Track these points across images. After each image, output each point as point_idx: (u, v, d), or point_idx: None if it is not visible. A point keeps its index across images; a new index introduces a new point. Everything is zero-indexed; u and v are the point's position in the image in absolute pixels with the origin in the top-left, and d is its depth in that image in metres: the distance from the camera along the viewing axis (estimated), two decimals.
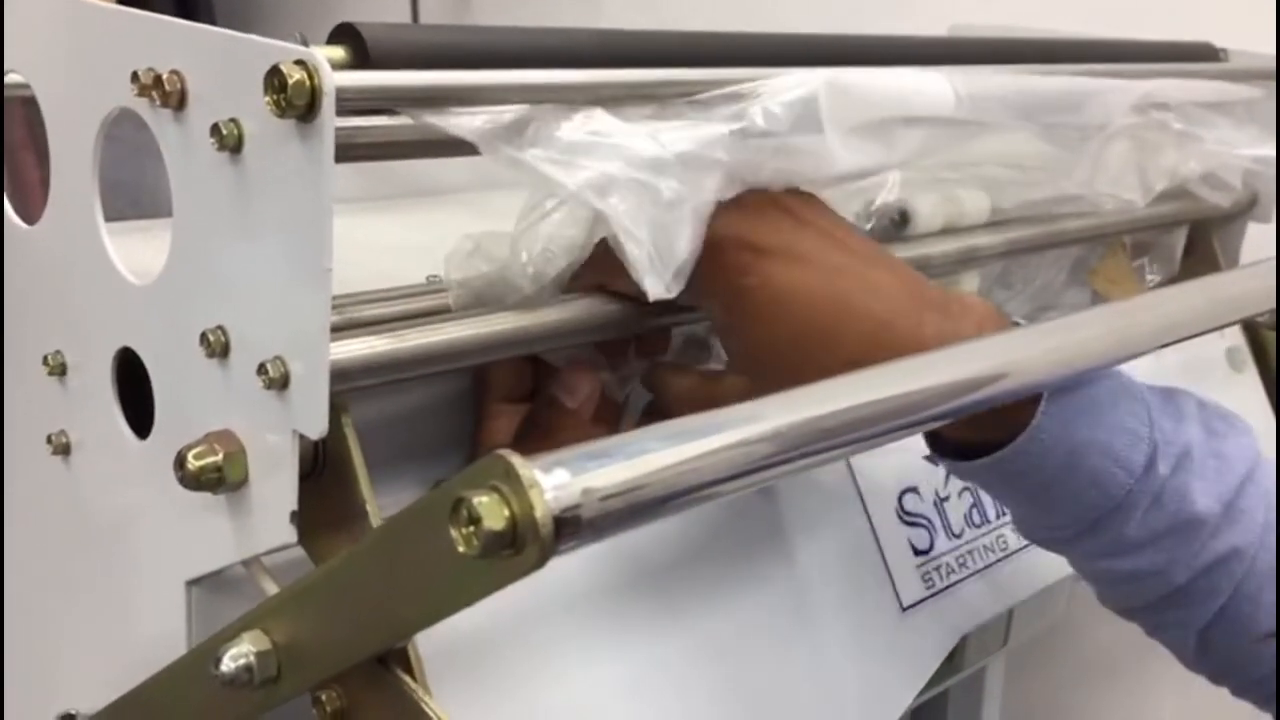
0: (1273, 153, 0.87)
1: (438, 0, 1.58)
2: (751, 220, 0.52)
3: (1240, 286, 0.70)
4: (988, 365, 0.47)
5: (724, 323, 0.54)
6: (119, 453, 0.53)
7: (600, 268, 0.53)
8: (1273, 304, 0.69)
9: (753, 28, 0.65)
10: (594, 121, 0.51)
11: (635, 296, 0.53)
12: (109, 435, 0.54)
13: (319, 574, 0.42)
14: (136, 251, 0.53)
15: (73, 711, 0.56)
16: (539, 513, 0.32)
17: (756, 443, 0.37)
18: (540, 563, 0.33)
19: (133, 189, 0.60)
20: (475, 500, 0.33)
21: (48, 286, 0.56)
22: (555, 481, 0.33)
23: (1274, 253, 0.75)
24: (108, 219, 0.53)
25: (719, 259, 0.52)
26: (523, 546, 0.33)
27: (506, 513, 0.33)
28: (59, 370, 0.56)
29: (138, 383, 0.52)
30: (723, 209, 0.52)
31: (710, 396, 0.56)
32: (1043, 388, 0.51)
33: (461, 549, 0.33)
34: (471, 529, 0.33)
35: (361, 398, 0.50)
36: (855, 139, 0.59)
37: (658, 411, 0.60)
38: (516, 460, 0.33)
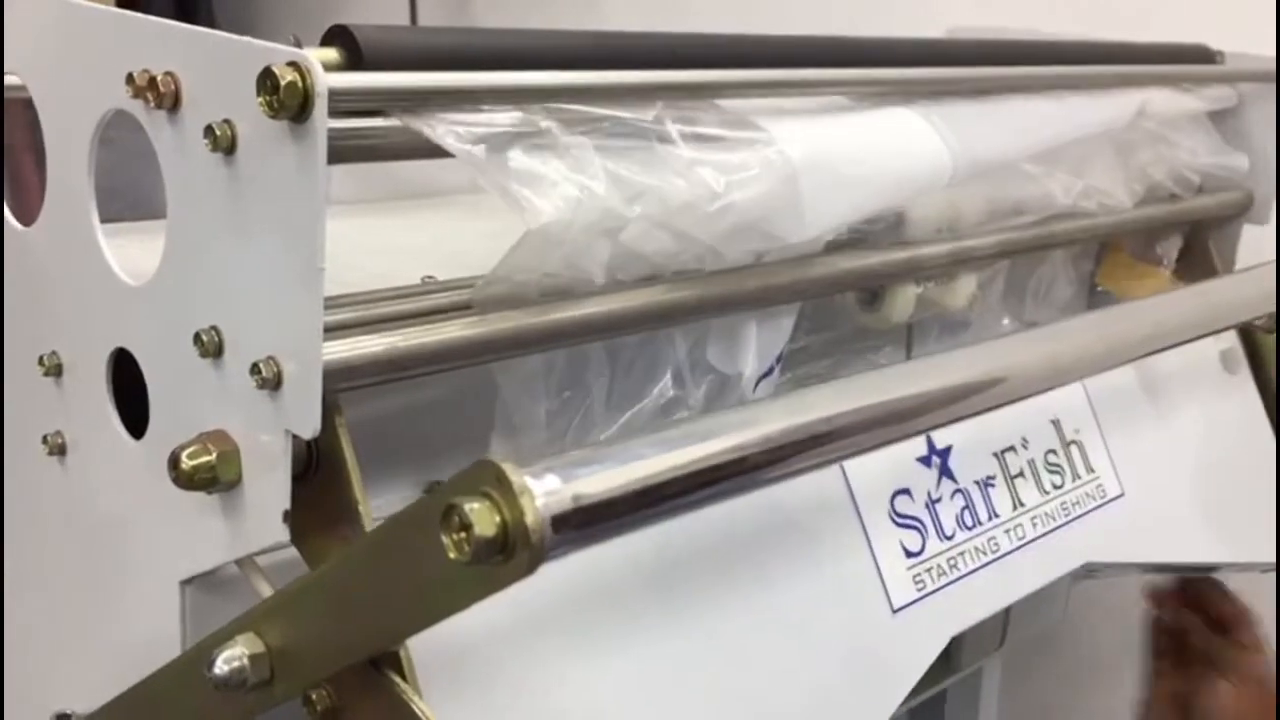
0: (1238, 161, 0.88)
1: (436, 2, 1.58)
2: None
3: (1236, 292, 0.70)
4: (983, 370, 0.47)
5: None
6: (114, 453, 0.53)
7: None
8: (1266, 309, 0.69)
9: (751, 29, 0.65)
10: (573, 156, 0.51)
11: None
12: (104, 435, 0.54)
13: (312, 578, 0.42)
14: (134, 253, 0.53)
15: (68, 711, 0.56)
16: (530, 519, 0.33)
17: (747, 449, 0.37)
18: (531, 569, 0.33)
19: (131, 192, 0.60)
20: (466, 507, 0.33)
21: (44, 287, 0.56)
22: (546, 488, 0.33)
23: (1268, 258, 0.76)
24: (106, 221, 0.53)
25: None
26: (514, 553, 0.33)
27: (498, 519, 0.33)
28: (55, 371, 0.56)
29: (136, 383, 0.53)
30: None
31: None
32: (1037, 392, 0.51)
33: (453, 555, 0.33)
34: (463, 535, 0.33)
35: (356, 398, 0.50)
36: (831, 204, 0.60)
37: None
38: (508, 466, 0.33)
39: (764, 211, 0.56)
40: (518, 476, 0.33)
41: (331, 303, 0.52)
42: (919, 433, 0.44)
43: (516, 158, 0.49)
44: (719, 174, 0.55)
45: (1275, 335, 0.91)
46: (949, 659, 0.85)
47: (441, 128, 0.47)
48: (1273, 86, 0.92)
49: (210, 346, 0.48)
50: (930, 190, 0.64)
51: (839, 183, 0.59)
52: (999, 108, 0.70)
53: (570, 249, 0.51)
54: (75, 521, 0.57)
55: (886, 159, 0.62)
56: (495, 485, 0.33)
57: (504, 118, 0.48)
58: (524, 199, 0.49)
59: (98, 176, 0.53)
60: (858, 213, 0.61)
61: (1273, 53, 0.92)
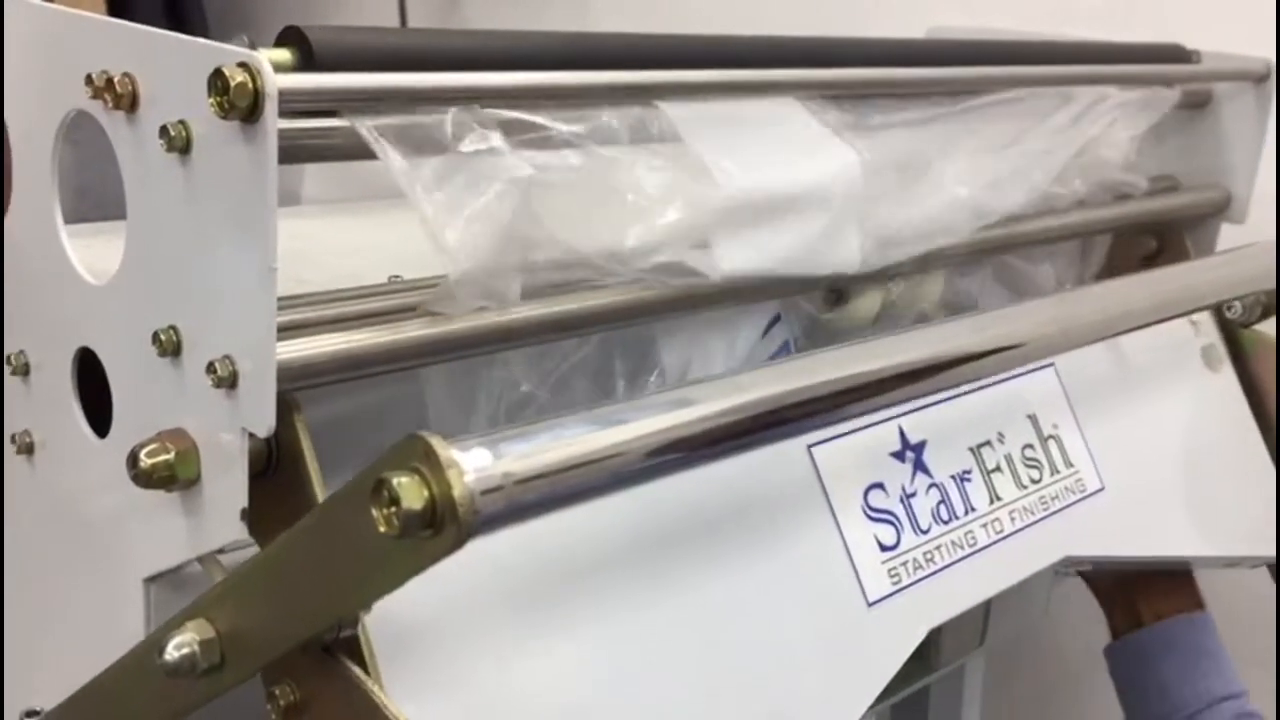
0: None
1: (426, 3, 1.58)
2: None
3: (1210, 274, 0.70)
4: (931, 352, 0.48)
5: None
6: (79, 452, 0.54)
7: None
8: (1239, 292, 0.69)
9: (734, 30, 0.65)
10: (499, 189, 0.51)
11: None
12: (70, 434, 0.55)
13: (257, 560, 0.43)
14: (100, 253, 0.54)
15: (36, 708, 0.57)
16: (457, 493, 0.33)
17: (679, 429, 0.38)
18: (459, 543, 0.33)
19: (98, 192, 0.61)
20: (395, 481, 0.33)
21: (11, 287, 0.57)
22: (476, 463, 0.34)
23: (1232, 246, 0.76)
24: (76, 221, 0.54)
25: None
26: (442, 527, 0.33)
27: (426, 494, 0.33)
28: (22, 370, 0.57)
29: (105, 383, 0.53)
30: None
31: None
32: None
33: (382, 529, 0.34)
34: (392, 510, 0.34)
35: (319, 398, 0.51)
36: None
37: None
38: (436, 441, 0.34)
39: (682, 252, 0.57)
40: (445, 451, 0.33)
41: (293, 302, 0.53)
42: (855, 415, 0.44)
43: (443, 194, 0.49)
44: (643, 217, 0.55)
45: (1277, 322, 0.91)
46: (929, 656, 0.85)
47: (380, 139, 0.47)
48: (1248, 85, 0.93)
49: (169, 345, 0.48)
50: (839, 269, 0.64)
51: (757, 230, 0.59)
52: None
53: (488, 288, 0.52)
54: (44, 520, 0.58)
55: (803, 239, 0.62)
56: (423, 460, 0.33)
57: (447, 127, 0.48)
58: (444, 242, 0.49)
59: (68, 176, 0.54)
60: (772, 261, 0.61)
61: (1250, 52, 0.93)
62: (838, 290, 0.70)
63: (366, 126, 0.47)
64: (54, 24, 0.51)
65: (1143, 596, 0.87)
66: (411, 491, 0.33)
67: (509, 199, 0.49)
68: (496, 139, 0.49)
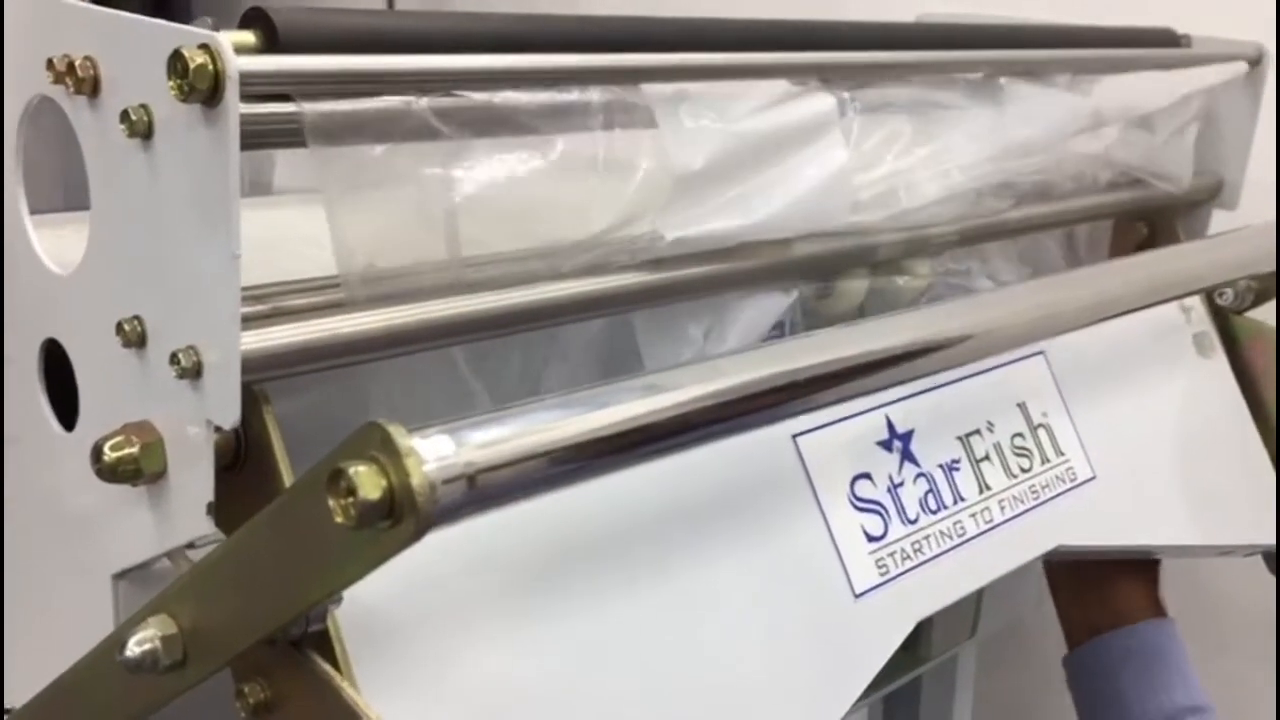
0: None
1: None
2: None
3: (1200, 258, 0.69)
4: (905, 339, 0.47)
5: None
6: (48, 445, 0.53)
7: None
8: (1228, 276, 0.68)
9: (720, 13, 0.64)
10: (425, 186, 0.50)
11: None
12: (37, 428, 0.54)
13: (219, 552, 0.42)
14: (70, 242, 0.52)
15: (9, 708, 0.56)
16: (415, 482, 0.32)
17: (653, 414, 0.37)
18: (418, 535, 0.32)
19: (67, 180, 0.60)
20: (352, 470, 0.32)
21: None
22: (436, 451, 0.33)
23: (1222, 230, 0.75)
24: (51, 211, 0.53)
25: None
26: (400, 518, 0.32)
27: (383, 483, 0.32)
28: None
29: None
30: None
31: None
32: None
33: (339, 520, 0.33)
34: (349, 500, 0.33)
35: (289, 390, 0.50)
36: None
37: None
38: (394, 429, 0.32)
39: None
40: (403, 439, 0.32)
41: (261, 291, 0.52)
42: (832, 402, 0.43)
43: (351, 190, 0.48)
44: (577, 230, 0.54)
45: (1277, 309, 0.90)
46: (920, 647, 0.84)
47: (307, 125, 0.46)
48: (1242, 67, 0.92)
49: (133, 336, 0.47)
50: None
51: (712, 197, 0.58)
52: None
53: (385, 288, 0.51)
54: (17, 515, 0.57)
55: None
56: (381, 448, 0.32)
57: (402, 118, 0.47)
58: (338, 237, 0.49)
59: (46, 165, 0.53)
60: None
61: (1243, 36, 0.92)
62: (824, 279, 0.69)
63: (306, 111, 0.46)
64: (13, 8, 0.49)
65: (1099, 596, 0.85)
66: (369, 481, 0.32)
67: (421, 204, 0.48)
68: (426, 144, 0.48)
